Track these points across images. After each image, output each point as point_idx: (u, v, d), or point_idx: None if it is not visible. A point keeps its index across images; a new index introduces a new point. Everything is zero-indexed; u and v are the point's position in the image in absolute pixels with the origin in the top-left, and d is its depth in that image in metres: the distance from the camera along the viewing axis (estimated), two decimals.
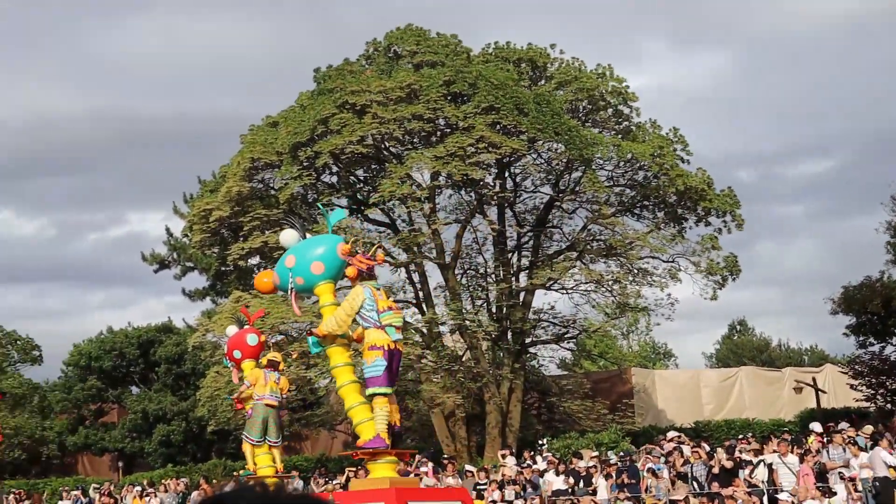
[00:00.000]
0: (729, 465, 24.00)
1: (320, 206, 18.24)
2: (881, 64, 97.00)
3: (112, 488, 35.78)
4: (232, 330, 18.31)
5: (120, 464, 44.86)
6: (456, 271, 34.91)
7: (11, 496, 37.97)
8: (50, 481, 42.32)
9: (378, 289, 13.17)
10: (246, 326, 17.82)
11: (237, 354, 17.83)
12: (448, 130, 31.73)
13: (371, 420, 12.96)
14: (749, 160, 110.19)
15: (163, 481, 32.97)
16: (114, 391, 46.32)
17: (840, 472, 22.81)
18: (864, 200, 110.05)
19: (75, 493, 36.34)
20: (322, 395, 41.32)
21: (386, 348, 12.73)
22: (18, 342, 47.51)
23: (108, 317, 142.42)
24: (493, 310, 35.32)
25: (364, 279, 13.02)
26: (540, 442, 30.90)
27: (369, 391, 12.87)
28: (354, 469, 27.44)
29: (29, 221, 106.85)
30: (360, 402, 13.06)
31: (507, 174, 34.71)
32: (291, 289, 13.56)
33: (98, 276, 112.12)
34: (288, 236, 14.28)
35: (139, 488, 34.12)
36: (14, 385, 45.34)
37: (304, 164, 32.13)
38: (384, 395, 12.76)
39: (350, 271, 12.82)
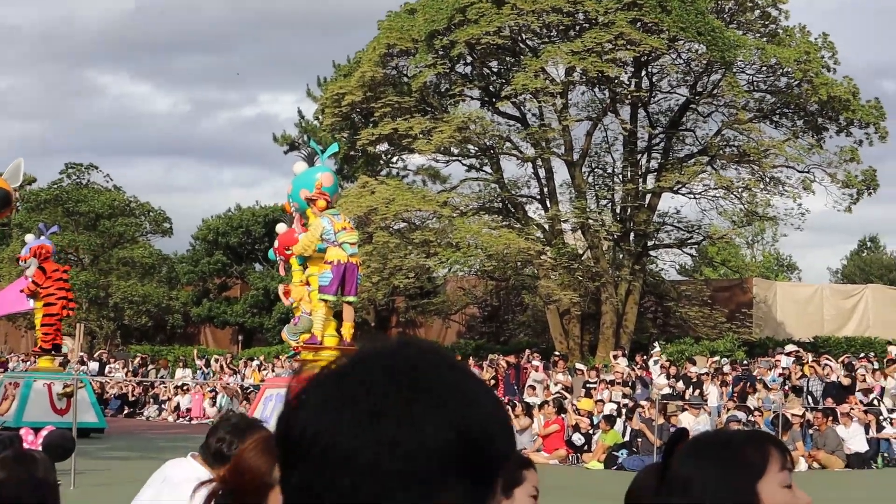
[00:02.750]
0: (846, 381, 23.78)
1: (312, 144, 18.63)
2: None
3: (231, 360, 37.12)
4: (282, 227, 18.02)
5: (240, 337, 46.31)
6: (583, 169, 34.71)
7: (137, 359, 39.74)
8: (173, 349, 43.88)
9: (335, 215, 15.24)
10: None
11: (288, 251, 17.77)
12: (587, 25, 31.24)
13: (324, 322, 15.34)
14: None
15: (278, 357, 33.88)
16: (238, 267, 47.55)
17: None
18: None
19: (199, 361, 37.81)
20: (440, 283, 41.90)
21: (337, 262, 14.90)
22: (151, 213, 48.84)
23: (237, 195, 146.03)
24: (618, 210, 35.11)
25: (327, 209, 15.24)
26: (653, 345, 30.90)
27: (318, 296, 15.11)
28: None
29: (165, 96, 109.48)
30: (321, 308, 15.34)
31: (643, 73, 34.10)
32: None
33: (229, 155, 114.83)
34: (298, 167, 16.15)
35: (257, 362, 35.32)
36: (144, 255, 46.78)
37: (440, 52, 32.09)
38: (327, 301, 15.10)
39: (320, 204, 15.00)
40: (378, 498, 1.11)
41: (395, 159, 40.32)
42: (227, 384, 32.22)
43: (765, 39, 33.03)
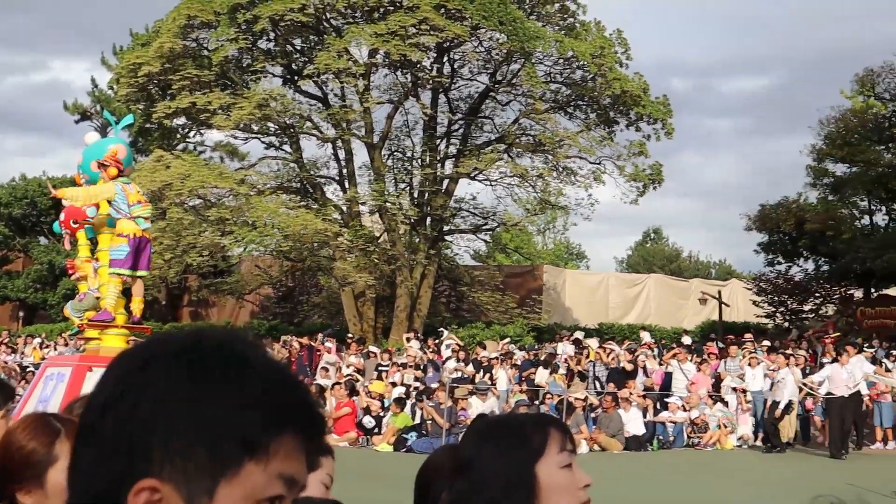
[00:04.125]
0: (629, 367, 24.72)
1: (105, 115, 18.50)
2: None
3: (9, 338, 35.42)
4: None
5: (21, 314, 44.36)
6: (383, 152, 34.79)
7: None
8: None
9: (128, 184, 14.66)
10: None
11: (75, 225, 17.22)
12: (391, 8, 31.23)
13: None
14: (685, 71, 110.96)
15: (62, 335, 32.51)
16: (21, 239, 45.43)
17: (734, 384, 23.64)
18: (792, 122, 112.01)
19: None
20: (235, 262, 41.27)
21: (132, 236, 14.41)
22: None
23: (22, 164, 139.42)
24: (416, 194, 35.37)
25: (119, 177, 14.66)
26: (440, 329, 31.31)
27: (110, 270, 14.59)
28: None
29: None
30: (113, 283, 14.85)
31: (445, 59, 34.38)
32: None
33: (15, 122, 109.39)
34: (90, 137, 15.93)
35: (38, 340, 33.83)
36: None
37: (242, 27, 31.46)
38: (120, 275, 14.50)
39: (111, 171, 14.38)
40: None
41: (192, 134, 39.44)
42: (5, 362, 30.72)
43: (563, 32, 33.84)
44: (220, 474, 1.16)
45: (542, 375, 24.80)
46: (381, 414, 23.07)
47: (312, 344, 29.15)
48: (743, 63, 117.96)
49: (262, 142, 35.43)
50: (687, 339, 29.60)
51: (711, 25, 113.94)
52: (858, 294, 37.44)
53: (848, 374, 20.35)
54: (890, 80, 36.64)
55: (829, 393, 20.83)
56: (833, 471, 17.97)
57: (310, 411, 1.24)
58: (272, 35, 33.36)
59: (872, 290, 37.16)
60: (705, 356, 25.59)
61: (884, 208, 38.08)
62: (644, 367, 25.12)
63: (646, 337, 29.99)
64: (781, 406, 20.99)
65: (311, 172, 35.10)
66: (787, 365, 22.02)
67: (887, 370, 23.23)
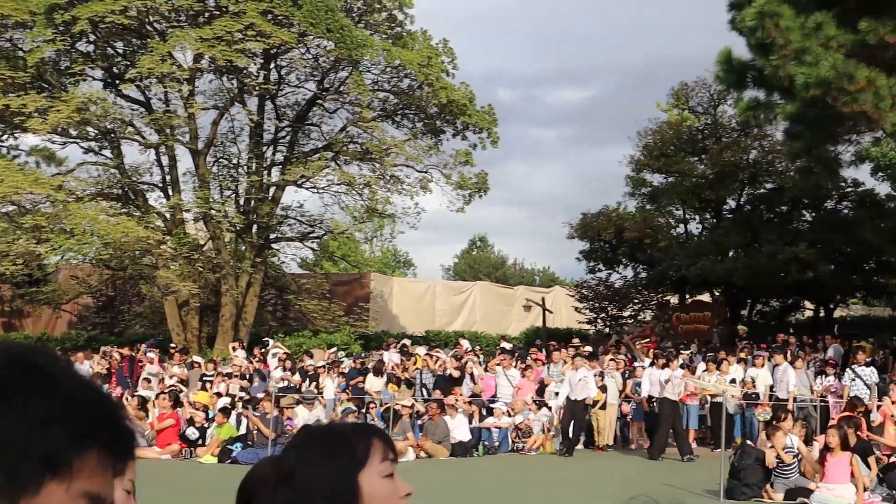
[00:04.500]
0: (456, 374, 25.00)
1: None
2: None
3: None
4: None
5: None
6: (208, 159, 34.20)
7: None
8: None
9: None
10: None
11: None
12: (217, 13, 30.75)
13: None
14: (511, 81, 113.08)
15: None
16: None
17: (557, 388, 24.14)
18: (614, 132, 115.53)
19: None
20: (51, 271, 39.85)
21: None
22: None
23: None
24: (241, 202, 34.92)
25: None
26: (266, 338, 31.01)
27: None
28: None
29: None
30: None
31: (272, 66, 34.07)
32: None
33: None
34: None
35: None
36: None
37: (60, 28, 30.42)
38: None
39: None
40: None
41: (4, 137, 37.85)
42: None
43: (390, 41, 34.04)
44: (18, 497, 1.10)
45: (373, 383, 24.83)
46: (206, 425, 22.64)
47: (134, 354, 28.42)
48: (568, 75, 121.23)
49: (81, 147, 34.33)
50: (507, 345, 30.08)
51: (537, 38, 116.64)
52: (674, 300, 38.85)
53: (666, 378, 21.02)
54: (703, 94, 38.22)
55: (650, 396, 21.52)
56: (650, 472, 18.57)
57: (116, 425, 1.20)
58: (92, 37, 32.37)
59: (687, 297, 38.60)
60: (529, 362, 26.06)
61: (697, 217, 39.63)
62: (472, 374, 25.42)
63: (465, 344, 30.35)
64: (561, 401, 21.58)
65: (133, 178, 34.22)
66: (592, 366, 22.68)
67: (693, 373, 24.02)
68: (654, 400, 21.48)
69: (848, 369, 21.81)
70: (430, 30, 35.03)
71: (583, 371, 21.79)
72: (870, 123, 23.27)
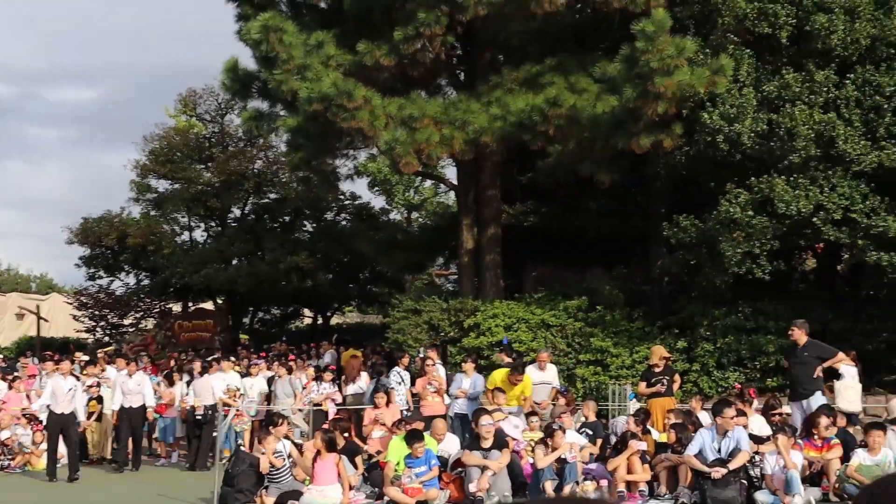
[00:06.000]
0: None
1: None
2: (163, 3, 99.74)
3: None
4: None
5: None
6: None
7: None
8: None
9: None
10: None
11: None
12: None
13: None
14: (9, 76, 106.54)
15: None
16: None
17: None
18: (119, 136, 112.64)
19: None
20: None
21: None
22: None
23: None
24: None
25: None
26: None
27: None
28: None
29: None
30: None
31: None
32: None
33: None
34: None
35: None
36: None
37: None
38: None
39: None
40: None
41: None
42: None
43: None
44: None
45: None
46: None
47: None
48: (73, 73, 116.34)
49: None
50: None
51: (40, 31, 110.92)
52: (177, 308, 38.51)
53: (136, 384, 20.24)
54: (211, 101, 38.28)
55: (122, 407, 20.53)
56: (142, 484, 18.09)
57: None
58: None
59: (190, 304, 38.43)
60: (18, 373, 24.60)
61: (202, 225, 39.59)
62: None
63: None
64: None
65: None
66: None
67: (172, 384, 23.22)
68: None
69: (394, 370, 22.14)
70: None
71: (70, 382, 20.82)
72: (366, 140, 24.58)
